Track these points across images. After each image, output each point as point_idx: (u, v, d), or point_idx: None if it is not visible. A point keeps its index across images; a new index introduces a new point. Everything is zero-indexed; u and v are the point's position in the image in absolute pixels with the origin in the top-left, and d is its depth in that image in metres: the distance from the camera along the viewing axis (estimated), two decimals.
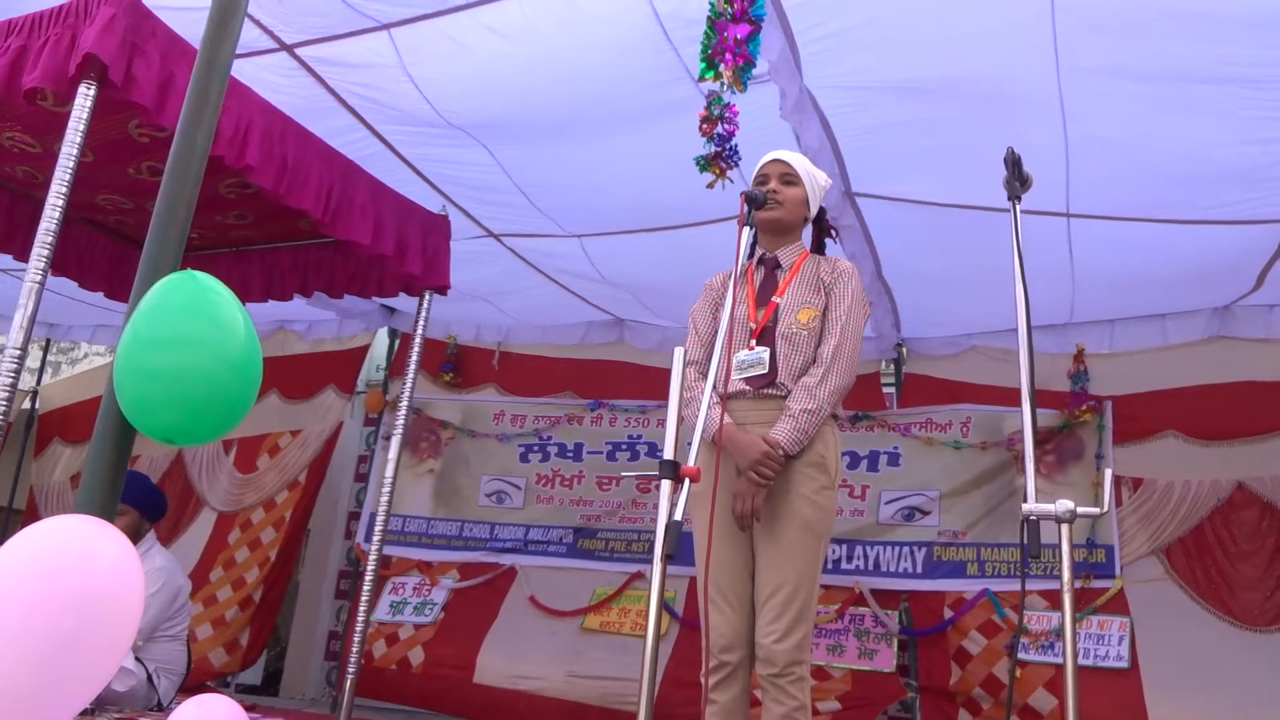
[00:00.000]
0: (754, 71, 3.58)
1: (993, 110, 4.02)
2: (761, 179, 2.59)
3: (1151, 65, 3.54)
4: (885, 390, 6.87)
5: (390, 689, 6.76)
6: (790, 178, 2.57)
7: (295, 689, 7.86)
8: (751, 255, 2.64)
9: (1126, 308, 6.00)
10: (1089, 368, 6.26)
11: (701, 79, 3.56)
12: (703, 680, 2.38)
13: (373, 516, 7.57)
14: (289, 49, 4.24)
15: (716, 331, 2.60)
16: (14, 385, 2.52)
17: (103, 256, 4.76)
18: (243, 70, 4.04)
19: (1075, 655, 1.72)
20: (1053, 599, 5.83)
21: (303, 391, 7.85)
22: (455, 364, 7.73)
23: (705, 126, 3.64)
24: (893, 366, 6.83)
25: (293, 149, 3.51)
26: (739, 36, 3.48)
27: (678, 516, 1.83)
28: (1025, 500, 1.86)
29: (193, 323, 1.40)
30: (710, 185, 3.77)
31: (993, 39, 3.61)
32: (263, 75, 4.25)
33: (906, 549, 6.28)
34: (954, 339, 6.65)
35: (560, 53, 4.09)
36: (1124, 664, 5.55)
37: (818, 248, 2.69)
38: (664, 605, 6.58)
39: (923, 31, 3.66)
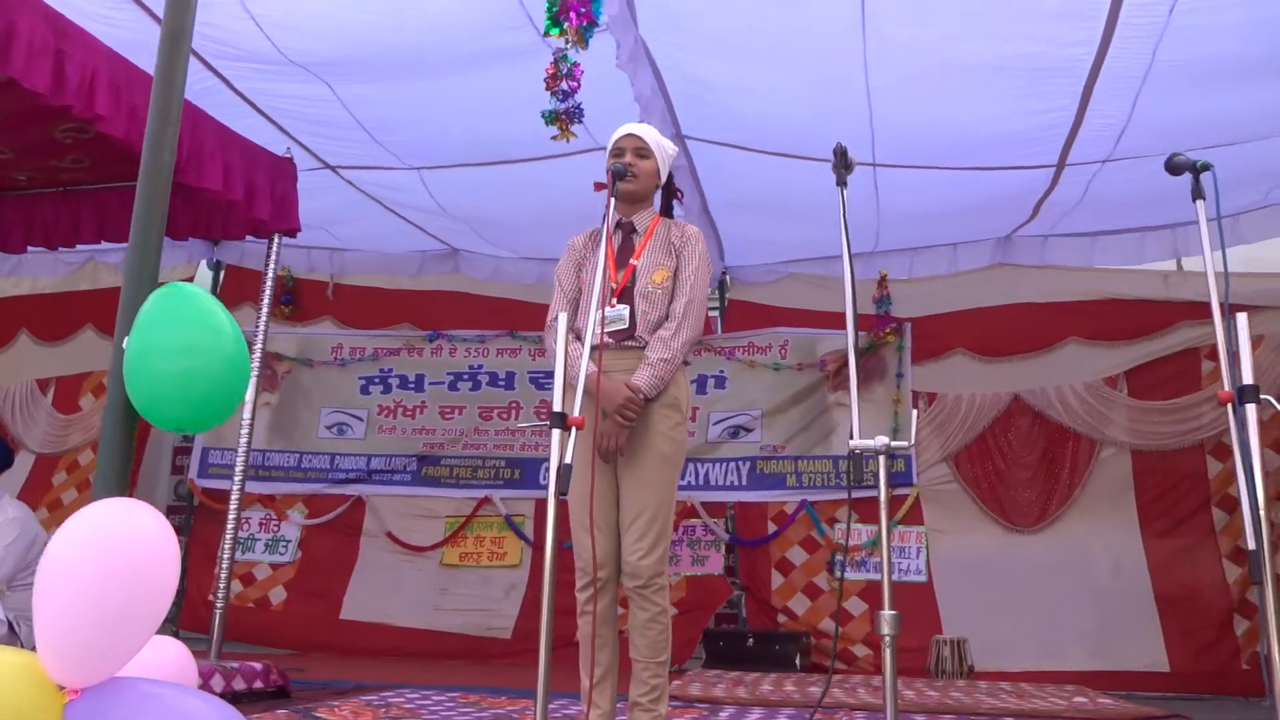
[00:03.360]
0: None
1: (806, 74, 4.42)
2: (618, 152, 2.85)
3: (945, 52, 4.03)
4: (710, 314, 7.34)
5: (249, 629, 6.68)
6: (643, 151, 2.85)
7: None
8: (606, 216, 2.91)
9: (924, 238, 6.64)
10: (891, 292, 6.90)
11: (546, 34, 3.76)
12: (577, 594, 2.72)
13: (205, 451, 7.55)
14: None
15: (580, 288, 2.89)
16: None
17: None
18: (71, 4, 3.93)
19: (890, 572, 2.15)
20: (862, 510, 6.53)
21: None
22: (292, 296, 7.66)
23: (551, 83, 3.87)
24: (717, 293, 7.29)
25: (141, 98, 3.48)
26: None
27: (568, 460, 2.12)
28: (851, 438, 2.23)
29: (193, 331, 1.57)
30: (555, 139, 4.01)
31: (810, 16, 3.97)
32: (92, 8, 4.13)
33: (732, 464, 6.83)
34: (772, 266, 7.16)
35: None
36: (922, 577, 6.33)
37: (666, 210, 3.00)
38: (518, 532, 6.95)
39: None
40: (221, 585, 4.08)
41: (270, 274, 4.46)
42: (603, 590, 2.67)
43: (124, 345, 1.62)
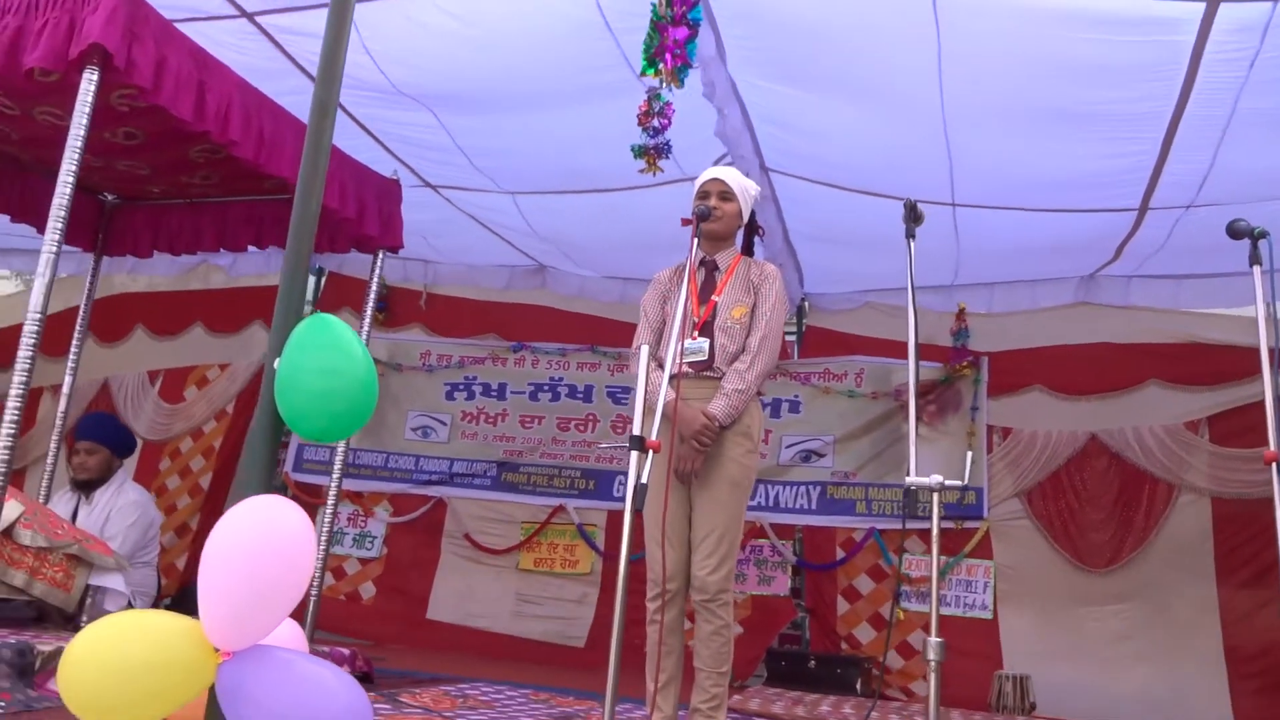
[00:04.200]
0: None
1: (885, 114, 4.57)
2: (703, 194, 3.05)
3: (1019, 100, 4.15)
4: (787, 339, 7.48)
5: (340, 621, 6.98)
6: (727, 194, 3.05)
7: None
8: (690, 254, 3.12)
9: (1003, 274, 6.69)
10: (969, 325, 6.95)
11: (643, 75, 3.98)
12: (647, 604, 2.92)
13: (301, 447, 7.95)
14: (249, 16, 4.49)
15: (664, 319, 3.10)
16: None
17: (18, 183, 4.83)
18: (201, 32, 4.30)
19: (938, 603, 2.29)
20: (929, 541, 6.58)
21: (229, 326, 8.06)
22: (385, 303, 8.03)
23: (643, 119, 4.09)
24: (795, 319, 7.44)
25: (269, 123, 3.82)
26: (678, 39, 3.90)
27: (644, 480, 2.32)
28: (908, 474, 2.38)
29: (333, 356, 1.82)
30: (643, 171, 4.23)
31: (891, 61, 4.12)
32: (221, 37, 4.50)
33: (803, 488, 6.95)
34: (850, 295, 7.27)
35: (509, 36, 4.45)
36: (987, 613, 6.36)
37: (748, 248, 3.19)
38: (590, 542, 7.18)
39: (833, 45, 4.14)
40: (316, 574, 4.37)
41: (374, 286, 4.77)
42: (671, 602, 2.86)
43: (274, 366, 1.87)
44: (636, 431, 2.37)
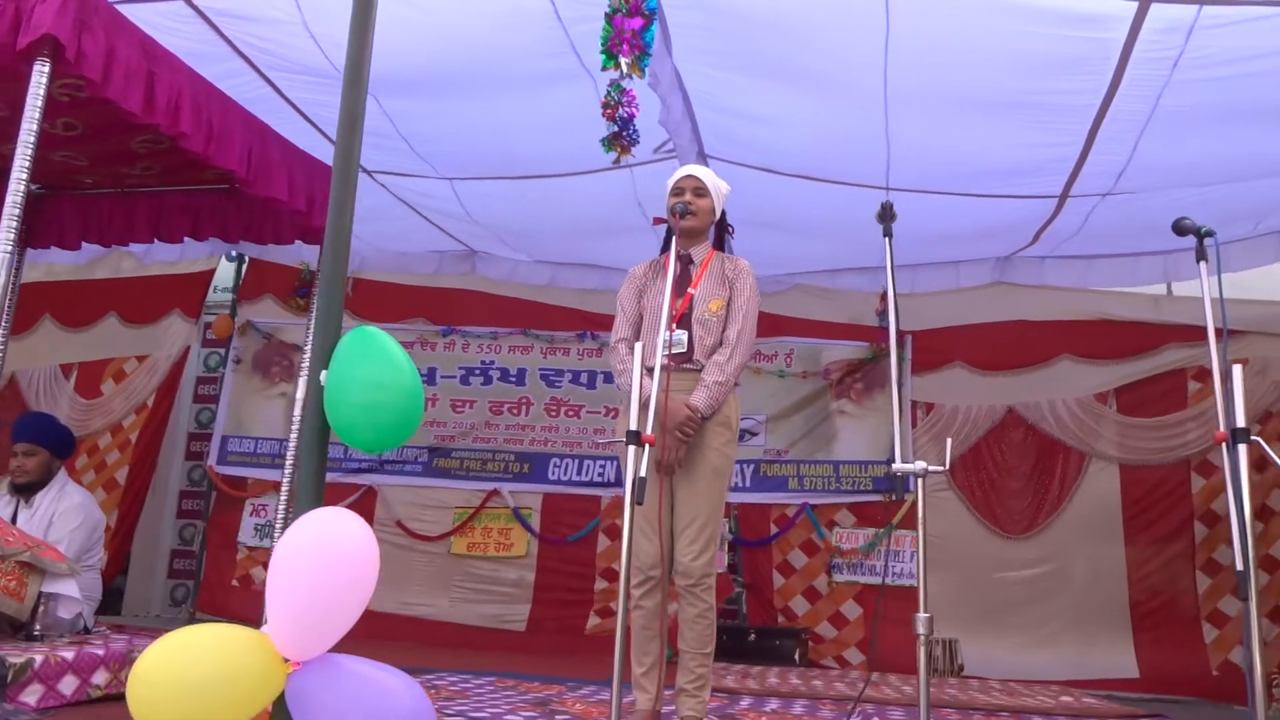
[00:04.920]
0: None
1: (829, 103, 4.69)
2: (678, 191, 3.13)
3: (960, 89, 4.32)
4: None
5: None
6: (701, 190, 3.13)
7: (138, 607, 7.98)
8: (666, 249, 3.19)
9: (927, 256, 6.93)
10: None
11: (604, 69, 4.01)
12: (632, 590, 3.00)
13: (225, 439, 7.78)
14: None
15: (640, 313, 3.17)
16: None
17: None
18: (137, 15, 4.16)
19: (925, 578, 2.42)
20: (859, 514, 6.86)
21: (146, 316, 7.80)
22: (309, 289, 7.87)
23: (608, 111, 4.12)
24: None
25: (218, 115, 3.72)
26: (634, 28, 3.94)
27: (643, 474, 2.39)
28: (894, 461, 2.51)
29: (380, 369, 1.83)
30: (616, 162, 4.26)
31: (837, 49, 4.25)
32: (157, 20, 4.36)
33: (737, 466, 7.11)
34: (779, 277, 7.42)
35: (458, 23, 4.42)
36: (914, 581, 6.61)
37: (719, 244, 3.27)
38: (525, 525, 7.22)
39: (783, 34, 4.24)
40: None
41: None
42: (655, 588, 2.95)
43: (321, 380, 1.88)
44: (633, 427, 2.44)
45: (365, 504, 7.54)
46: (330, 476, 7.47)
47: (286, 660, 1.65)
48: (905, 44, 4.10)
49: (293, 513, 1.83)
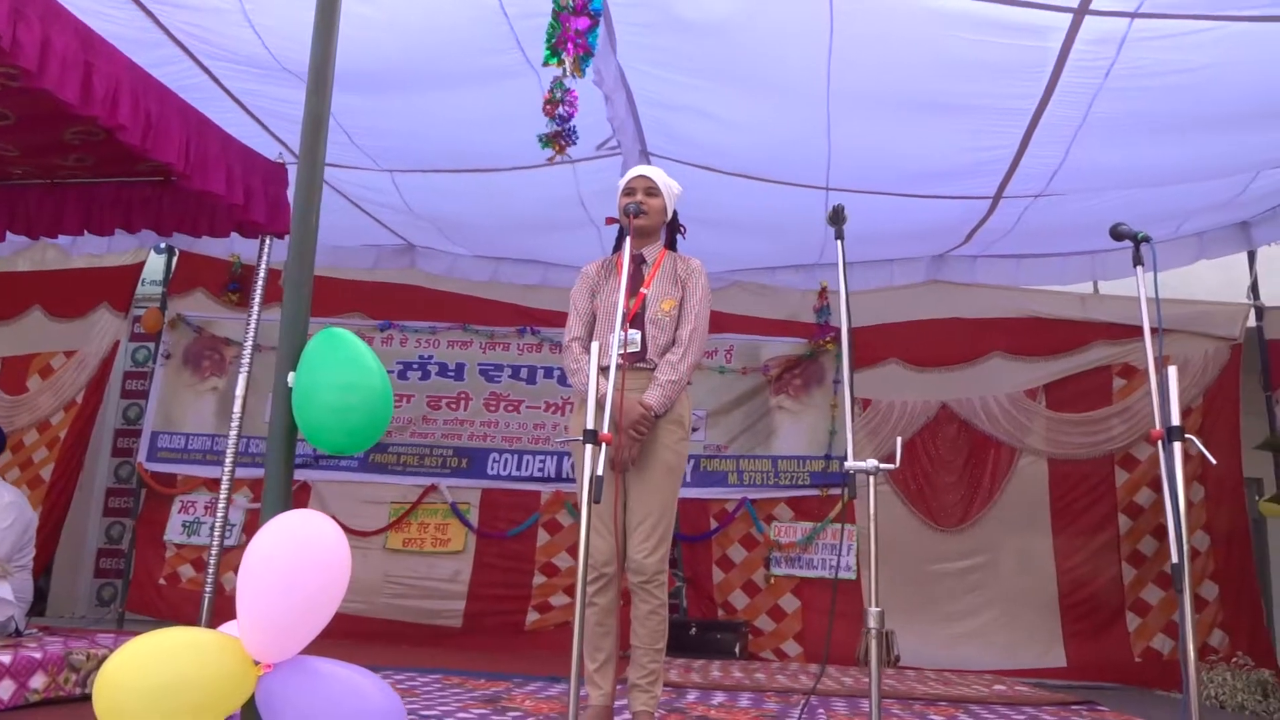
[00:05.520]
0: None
1: (772, 104, 4.75)
2: (629, 191, 3.15)
3: (900, 92, 4.40)
4: None
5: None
6: (653, 190, 3.15)
7: (63, 607, 7.77)
8: (617, 249, 3.20)
9: (864, 254, 7.04)
10: (831, 303, 7.31)
11: (546, 64, 4.01)
12: (586, 587, 3.00)
13: (155, 435, 7.59)
14: None
15: (593, 312, 3.18)
16: None
17: None
18: (73, 3, 4.04)
19: (876, 572, 2.48)
20: (797, 508, 6.97)
21: (73, 309, 7.57)
22: (241, 283, 7.72)
23: (548, 108, 4.12)
24: None
25: (155, 106, 3.62)
26: (580, 29, 3.95)
27: (600, 472, 2.40)
28: (847, 459, 2.57)
29: (350, 371, 1.81)
30: (551, 160, 4.27)
31: (782, 52, 4.30)
32: (89, 5, 4.24)
33: None
34: (719, 274, 7.47)
35: (401, 14, 4.37)
36: (851, 574, 6.76)
37: (671, 244, 3.30)
38: (463, 519, 7.18)
39: (728, 37, 4.27)
40: (211, 569, 4.20)
41: (262, 273, 4.62)
42: (609, 585, 2.97)
43: (289, 381, 1.85)
44: (590, 426, 2.45)
45: (299, 500, 7.42)
46: (258, 472, 7.44)
47: (257, 663, 1.63)
48: (848, 46, 4.17)
49: (261, 515, 1.81)
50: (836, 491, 6.97)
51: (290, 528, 1.70)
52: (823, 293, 7.34)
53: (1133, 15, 3.68)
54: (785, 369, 7.27)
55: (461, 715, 3.31)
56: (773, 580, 6.88)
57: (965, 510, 6.87)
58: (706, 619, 6.71)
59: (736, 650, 6.34)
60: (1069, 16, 3.71)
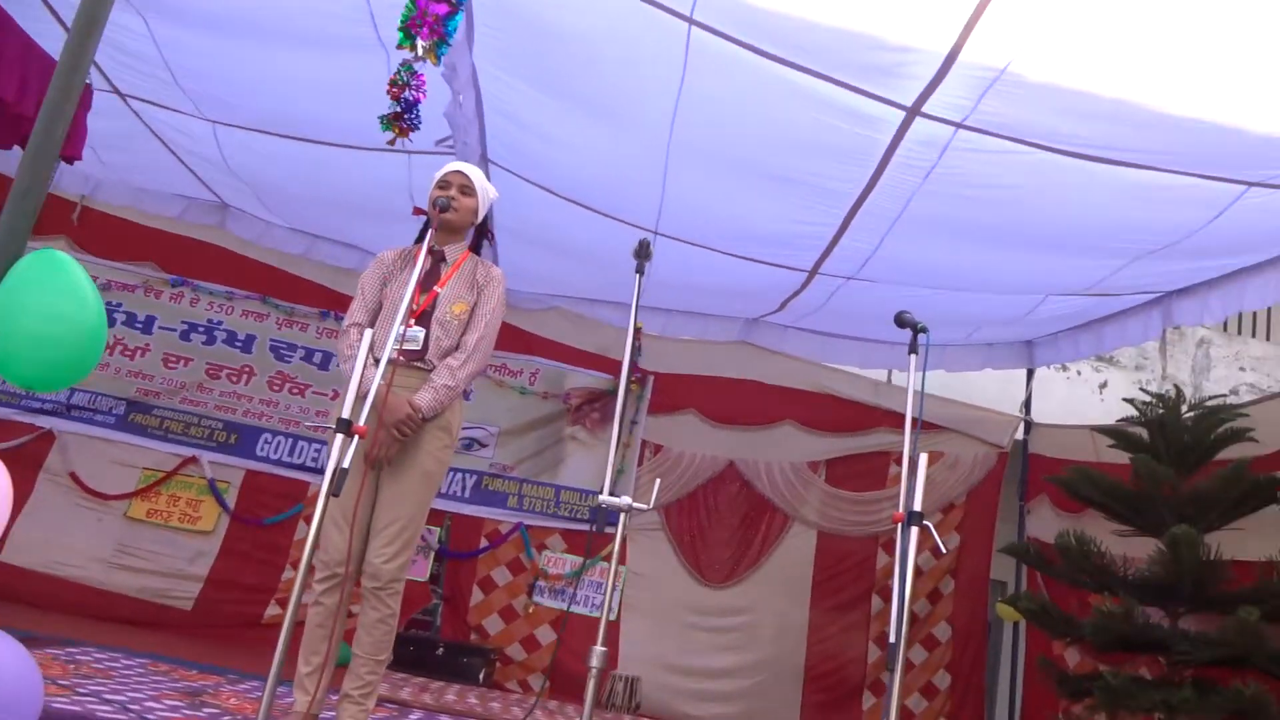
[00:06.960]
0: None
1: (615, 138, 4.75)
2: (444, 184, 3.02)
3: (739, 154, 4.49)
4: None
5: None
6: (468, 189, 3.04)
7: None
8: (420, 240, 3.07)
9: (681, 303, 7.15)
10: (644, 345, 7.35)
11: (400, 47, 3.85)
12: (314, 584, 2.83)
13: None
14: None
15: (380, 301, 3.03)
16: None
17: None
18: None
19: (611, 611, 2.43)
20: (571, 541, 6.92)
21: None
22: None
23: (393, 90, 3.95)
24: None
25: None
26: (438, 14, 3.82)
27: (346, 465, 2.25)
28: (601, 493, 2.52)
29: (62, 300, 1.58)
30: (391, 143, 4.08)
31: (633, 85, 4.30)
32: None
33: (459, 475, 6.99)
34: (540, 296, 7.42)
35: None
36: (613, 615, 6.74)
37: (476, 248, 3.19)
38: (219, 499, 6.74)
39: (583, 57, 4.24)
40: None
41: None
42: (339, 586, 2.80)
43: None
44: (345, 415, 2.30)
45: (38, 448, 6.77)
46: (2, 412, 6.80)
47: None
48: (697, 100, 4.21)
49: None
50: (611, 529, 6.94)
51: None
52: (637, 333, 7.34)
53: (958, 125, 3.88)
54: (586, 400, 7.25)
55: (150, 704, 3.02)
56: (532, 609, 6.77)
57: (732, 568, 7.00)
58: (457, 640, 6.53)
59: (480, 677, 6.18)
60: (903, 114, 3.86)
